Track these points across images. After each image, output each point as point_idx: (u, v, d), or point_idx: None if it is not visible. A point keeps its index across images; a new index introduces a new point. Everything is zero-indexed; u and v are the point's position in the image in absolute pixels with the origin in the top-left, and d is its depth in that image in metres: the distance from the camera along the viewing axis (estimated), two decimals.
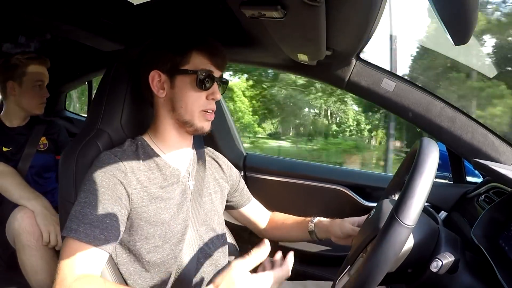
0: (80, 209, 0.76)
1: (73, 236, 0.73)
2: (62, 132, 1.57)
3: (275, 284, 0.71)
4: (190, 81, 0.84)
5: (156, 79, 0.86)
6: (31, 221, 1.16)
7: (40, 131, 1.48)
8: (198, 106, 0.86)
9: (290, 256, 0.79)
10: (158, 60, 0.86)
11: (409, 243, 0.65)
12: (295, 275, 1.35)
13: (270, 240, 1.15)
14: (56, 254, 1.20)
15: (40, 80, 1.43)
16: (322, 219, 1.05)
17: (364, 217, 0.98)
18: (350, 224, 0.97)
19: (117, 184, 0.79)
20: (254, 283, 0.66)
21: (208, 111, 0.88)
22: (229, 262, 1.05)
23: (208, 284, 0.70)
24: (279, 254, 0.83)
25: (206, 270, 0.91)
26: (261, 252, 0.68)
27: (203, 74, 0.84)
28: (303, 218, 1.09)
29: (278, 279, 0.72)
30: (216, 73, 0.87)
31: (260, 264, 0.71)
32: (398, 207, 0.54)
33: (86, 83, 2.38)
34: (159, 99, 0.88)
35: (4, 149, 1.40)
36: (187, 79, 0.84)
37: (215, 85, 0.87)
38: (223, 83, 0.92)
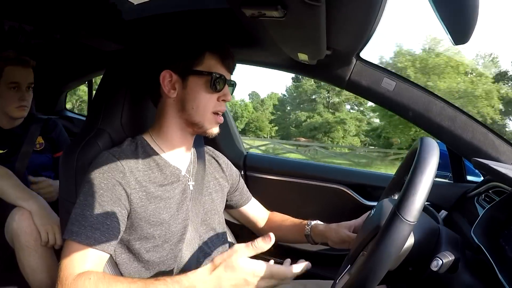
0: (80, 212, 0.76)
1: (74, 239, 0.74)
2: (58, 130, 1.54)
3: (274, 280, 0.69)
4: (203, 83, 0.85)
5: (167, 79, 0.86)
6: (28, 221, 1.16)
7: (36, 130, 1.47)
8: (210, 107, 0.86)
9: (301, 264, 0.74)
10: (170, 60, 0.86)
11: (410, 241, 0.65)
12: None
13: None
14: (55, 254, 1.21)
15: (15, 82, 1.35)
16: (319, 223, 1.04)
17: (361, 220, 0.98)
18: (346, 229, 0.97)
19: (116, 185, 0.79)
20: (253, 270, 0.66)
21: (219, 113, 0.88)
22: (232, 244, 1.05)
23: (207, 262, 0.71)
24: (288, 260, 0.79)
25: None
26: (265, 243, 0.67)
27: (216, 76, 0.85)
28: (300, 220, 1.08)
29: (277, 275, 0.69)
30: (227, 75, 0.88)
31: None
32: (400, 203, 0.55)
33: (86, 82, 2.38)
34: (168, 99, 0.88)
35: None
36: (200, 80, 0.85)
37: (226, 87, 0.88)
38: (232, 85, 0.93)
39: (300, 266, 0.73)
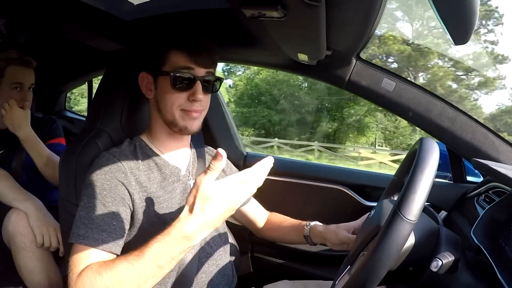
0: (85, 214, 0.76)
1: (81, 242, 0.73)
2: (50, 123, 1.52)
3: (252, 183, 0.68)
4: (170, 82, 0.82)
5: (145, 80, 0.87)
6: (24, 223, 1.15)
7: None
8: (177, 106, 0.84)
9: (264, 160, 0.71)
10: (144, 61, 0.87)
11: (410, 241, 0.65)
12: (295, 275, 1.35)
13: (269, 240, 1.16)
14: (51, 255, 1.20)
15: (18, 83, 1.34)
16: (318, 224, 1.04)
17: (360, 221, 0.98)
18: (345, 230, 0.96)
19: (119, 185, 0.79)
20: (227, 188, 0.65)
21: (188, 110, 0.84)
22: (232, 245, 1.03)
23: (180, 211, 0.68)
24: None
25: (208, 270, 0.91)
26: (218, 161, 0.64)
27: (178, 74, 0.81)
28: (299, 221, 1.08)
29: (251, 176, 0.68)
30: (199, 72, 0.83)
31: None
32: (400, 202, 0.55)
33: (86, 83, 2.38)
34: (149, 99, 0.89)
35: None
36: (166, 80, 0.83)
37: (197, 85, 0.83)
38: (214, 80, 0.88)
39: (266, 160, 0.71)
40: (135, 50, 1.11)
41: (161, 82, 0.84)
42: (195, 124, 0.87)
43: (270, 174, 1.57)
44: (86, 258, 0.72)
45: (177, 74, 0.81)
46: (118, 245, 0.76)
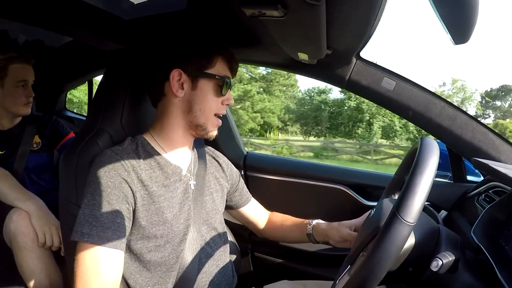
0: (89, 212, 0.76)
1: (86, 240, 0.73)
2: (51, 125, 1.53)
3: None
4: (212, 85, 0.87)
5: (176, 78, 0.86)
6: (26, 222, 1.15)
7: (33, 129, 1.46)
8: (214, 110, 0.89)
9: None
10: (182, 60, 0.86)
11: (410, 241, 0.65)
12: (295, 275, 1.36)
13: (269, 240, 1.16)
14: (52, 255, 1.20)
15: (23, 80, 1.37)
16: (320, 222, 1.04)
17: (361, 219, 0.98)
18: (348, 228, 0.97)
19: (123, 183, 0.79)
20: None
21: (220, 115, 0.91)
22: (233, 243, 1.04)
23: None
24: None
25: (208, 270, 0.91)
26: None
27: (226, 80, 0.87)
28: (301, 220, 1.09)
29: None
30: (230, 80, 0.91)
31: None
32: (399, 204, 0.55)
33: (87, 82, 2.38)
34: (174, 98, 0.87)
35: None
36: (210, 83, 0.86)
37: (229, 91, 0.91)
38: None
39: None
40: (137, 49, 1.11)
41: (204, 84, 0.86)
42: (216, 132, 0.93)
43: (270, 173, 1.58)
44: (92, 257, 0.73)
45: (226, 80, 0.88)
46: (122, 242, 0.77)
